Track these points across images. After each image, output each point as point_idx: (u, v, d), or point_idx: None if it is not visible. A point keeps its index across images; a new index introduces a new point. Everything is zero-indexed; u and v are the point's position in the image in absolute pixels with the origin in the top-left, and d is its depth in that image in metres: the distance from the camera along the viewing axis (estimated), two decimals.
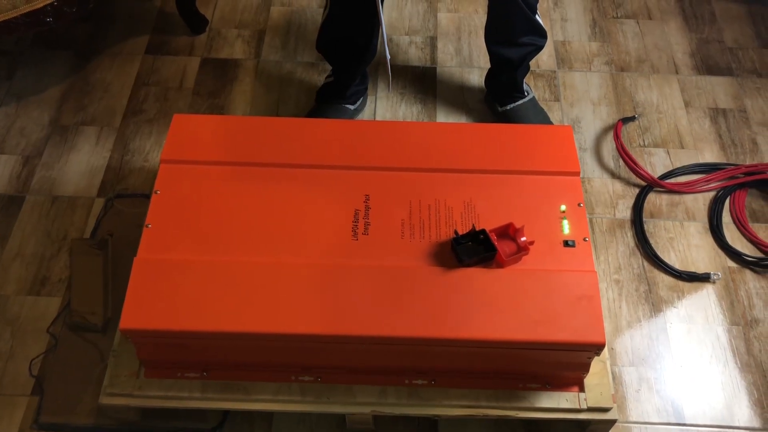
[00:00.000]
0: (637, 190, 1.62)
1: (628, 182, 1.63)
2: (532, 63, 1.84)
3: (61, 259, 1.48)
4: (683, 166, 1.65)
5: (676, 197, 1.61)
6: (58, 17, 1.57)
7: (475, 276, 1.16)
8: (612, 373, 1.31)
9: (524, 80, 1.69)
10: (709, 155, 1.68)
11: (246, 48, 1.87)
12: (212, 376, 1.21)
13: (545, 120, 1.69)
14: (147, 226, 1.22)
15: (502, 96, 1.69)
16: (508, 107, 1.68)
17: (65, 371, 1.33)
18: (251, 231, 1.21)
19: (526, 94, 1.69)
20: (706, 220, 1.57)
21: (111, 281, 1.43)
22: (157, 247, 1.19)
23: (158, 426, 1.27)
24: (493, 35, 1.60)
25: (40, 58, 1.83)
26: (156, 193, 1.26)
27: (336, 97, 1.67)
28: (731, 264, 1.51)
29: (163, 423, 1.27)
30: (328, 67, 1.82)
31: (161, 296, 1.14)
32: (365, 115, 1.74)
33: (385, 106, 1.75)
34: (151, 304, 1.13)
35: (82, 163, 1.64)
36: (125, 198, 1.57)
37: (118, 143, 1.67)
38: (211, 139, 1.33)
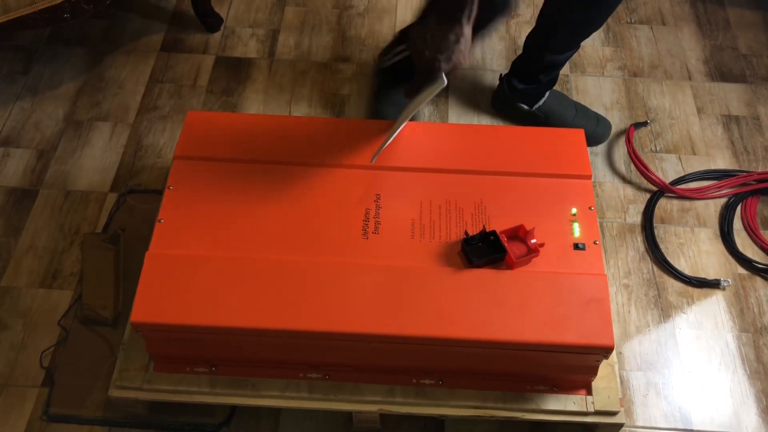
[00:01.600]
0: (648, 196, 1.61)
1: (639, 187, 1.63)
2: None
3: (73, 252, 1.49)
4: (695, 172, 1.65)
5: (687, 203, 1.61)
6: (76, 13, 1.58)
7: (484, 277, 1.16)
8: (620, 378, 1.31)
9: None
10: (721, 162, 1.68)
11: (260, 47, 1.88)
12: (221, 372, 1.22)
13: (583, 111, 1.68)
14: (159, 221, 1.22)
15: (531, 96, 1.66)
16: (540, 103, 1.66)
17: (75, 364, 1.34)
18: (262, 228, 1.22)
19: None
20: (716, 226, 1.57)
21: (122, 276, 1.44)
22: (169, 242, 1.20)
23: (166, 420, 1.28)
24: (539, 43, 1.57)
25: (56, 54, 1.85)
26: (169, 188, 1.27)
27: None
28: (741, 271, 1.50)
29: (171, 417, 1.28)
30: (342, 67, 1.83)
31: (172, 291, 1.15)
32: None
33: None
34: (162, 298, 1.14)
35: (96, 158, 1.65)
36: (138, 194, 1.58)
37: (131, 139, 1.69)
38: (224, 136, 1.34)
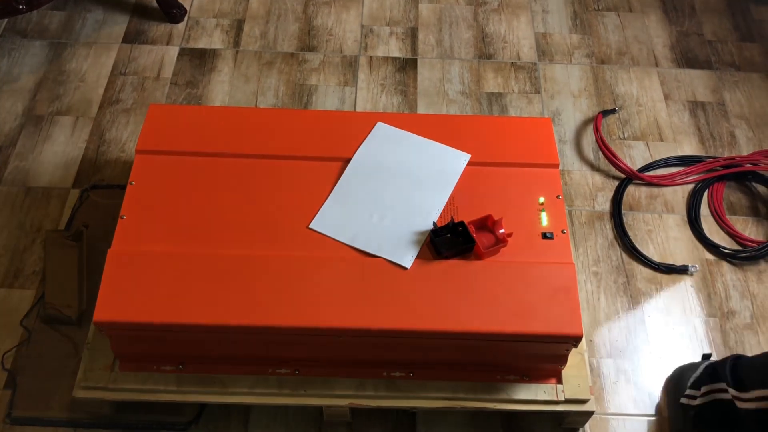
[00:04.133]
0: (616, 183, 1.62)
1: (607, 175, 1.63)
2: (513, 55, 1.84)
3: (35, 251, 1.46)
4: (662, 159, 1.66)
5: (655, 190, 1.61)
6: (32, 4, 1.54)
7: (453, 268, 1.16)
8: (590, 365, 1.32)
9: None
10: (688, 148, 1.69)
11: (225, 38, 1.85)
12: (188, 370, 1.20)
13: None
14: (122, 218, 1.20)
15: None
16: None
17: (39, 365, 1.31)
18: (227, 223, 1.20)
19: None
20: (684, 212, 1.58)
21: (86, 273, 1.41)
22: (132, 239, 1.18)
23: (133, 420, 1.26)
24: None
25: (14, 46, 1.80)
26: (131, 184, 1.24)
27: None
28: (709, 256, 1.52)
29: (138, 417, 1.26)
30: (309, 57, 1.81)
31: (136, 288, 1.12)
32: (345, 106, 1.73)
33: (365, 98, 1.74)
34: (125, 296, 1.12)
35: (57, 153, 1.61)
36: (101, 189, 1.55)
37: (94, 133, 1.65)
38: (187, 129, 1.31)
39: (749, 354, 1.38)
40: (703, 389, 1.23)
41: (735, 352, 1.39)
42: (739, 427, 1.16)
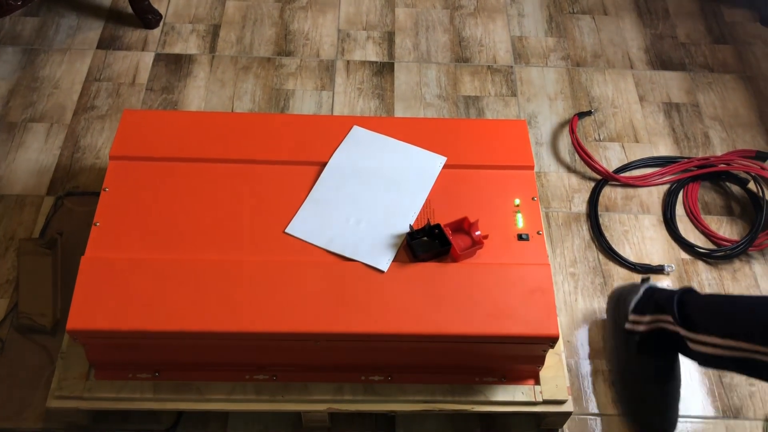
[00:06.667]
0: (592, 184, 1.63)
1: (583, 176, 1.65)
2: (489, 59, 1.85)
3: (8, 259, 1.44)
4: (638, 160, 1.67)
5: (630, 191, 1.63)
6: (3, 10, 1.52)
7: (429, 270, 1.16)
8: (568, 366, 1.32)
9: None
10: (663, 149, 1.70)
11: (200, 43, 1.84)
12: (164, 377, 1.19)
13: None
14: (95, 225, 1.19)
15: None
16: None
17: (12, 375, 1.29)
18: (202, 228, 1.19)
19: None
20: (660, 212, 1.60)
21: (61, 282, 1.39)
22: (106, 246, 1.17)
23: (110, 429, 1.24)
24: None
25: None
26: (105, 190, 1.23)
27: None
28: (684, 256, 1.53)
29: (114, 426, 1.25)
30: (286, 62, 1.81)
31: (110, 296, 1.11)
32: (323, 110, 1.72)
33: (342, 102, 1.74)
34: (99, 303, 1.10)
35: (31, 160, 1.59)
36: (76, 196, 1.53)
37: (68, 140, 1.63)
38: (161, 135, 1.30)
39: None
40: (648, 317, 1.24)
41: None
42: (686, 354, 1.17)
